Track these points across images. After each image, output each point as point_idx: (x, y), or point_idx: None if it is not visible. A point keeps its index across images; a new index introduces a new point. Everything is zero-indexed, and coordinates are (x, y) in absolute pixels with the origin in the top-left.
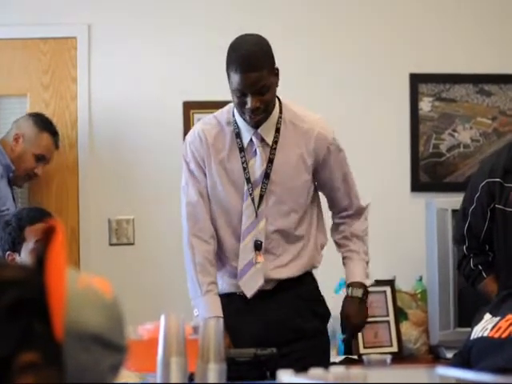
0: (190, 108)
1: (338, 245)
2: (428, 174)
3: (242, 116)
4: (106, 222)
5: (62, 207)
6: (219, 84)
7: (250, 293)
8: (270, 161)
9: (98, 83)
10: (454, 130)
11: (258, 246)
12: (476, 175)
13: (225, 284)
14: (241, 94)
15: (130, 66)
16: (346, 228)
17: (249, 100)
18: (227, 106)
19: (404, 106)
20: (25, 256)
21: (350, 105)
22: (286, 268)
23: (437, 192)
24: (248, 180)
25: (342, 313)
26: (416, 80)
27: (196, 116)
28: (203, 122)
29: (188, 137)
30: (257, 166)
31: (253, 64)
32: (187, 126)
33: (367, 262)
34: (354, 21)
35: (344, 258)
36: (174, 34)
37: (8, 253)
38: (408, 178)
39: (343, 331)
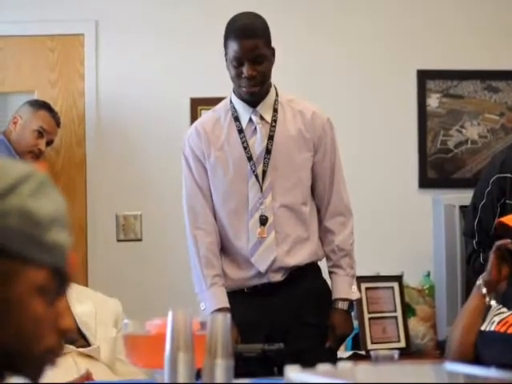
0: (198, 104)
1: (326, 257)
2: (436, 171)
3: (238, 91)
4: (114, 218)
5: (69, 203)
6: (226, 80)
7: (263, 267)
8: (271, 137)
9: (105, 80)
10: (462, 127)
11: (262, 221)
12: (487, 170)
13: (231, 280)
14: (238, 64)
15: (137, 63)
16: (332, 239)
17: (245, 68)
18: (225, 99)
19: (412, 103)
20: None
21: (357, 101)
22: (294, 251)
23: (444, 188)
24: (250, 158)
25: (328, 323)
26: (424, 76)
27: (203, 112)
28: (201, 117)
29: (187, 132)
30: (257, 144)
31: (250, 31)
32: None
33: (353, 276)
34: (361, 17)
35: (330, 273)
36: (181, 30)
37: None
38: (416, 175)
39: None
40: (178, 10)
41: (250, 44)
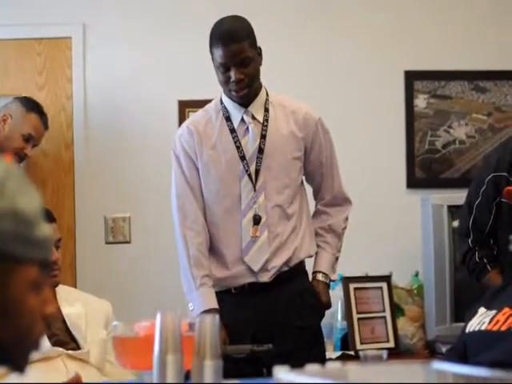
0: (186, 107)
1: (315, 233)
2: (424, 171)
3: (228, 95)
4: (102, 221)
5: (58, 206)
6: (214, 82)
7: (256, 267)
8: (263, 136)
9: (93, 83)
10: (450, 127)
11: (256, 221)
12: (481, 169)
13: (218, 280)
14: (224, 69)
15: (124, 66)
16: (327, 219)
17: (232, 73)
18: (215, 99)
19: (399, 103)
20: None
21: (345, 102)
22: (284, 250)
23: (432, 188)
24: (243, 158)
25: (313, 290)
26: (411, 77)
27: (191, 115)
28: (192, 116)
29: (178, 131)
30: (250, 143)
31: (233, 36)
32: None
33: (337, 258)
34: (349, 18)
35: (317, 247)
36: (169, 33)
37: None
38: (404, 175)
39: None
40: (165, 13)
41: (235, 49)
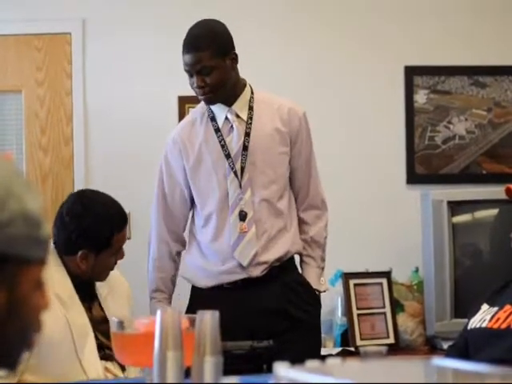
0: (185, 102)
1: None
2: (423, 166)
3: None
4: None
5: (57, 203)
6: None
7: (245, 261)
8: (247, 134)
9: (92, 79)
10: (450, 122)
11: (242, 217)
12: None
13: (214, 275)
14: (189, 75)
15: (124, 61)
16: (307, 230)
17: (194, 79)
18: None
19: (399, 99)
20: (104, 259)
21: (345, 98)
22: (273, 245)
23: (432, 184)
24: (228, 156)
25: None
26: (411, 72)
27: (191, 110)
28: (177, 126)
29: (165, 147)
30: (234, 141)
31: (195, 45)
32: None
33: (323, 268)
34: (348, 13)
35: (301, 262)
36: (168, 28)
37: (82, 251)
38: (403, 170)
39: None
40: (164, 8)
41: (195, 57)
